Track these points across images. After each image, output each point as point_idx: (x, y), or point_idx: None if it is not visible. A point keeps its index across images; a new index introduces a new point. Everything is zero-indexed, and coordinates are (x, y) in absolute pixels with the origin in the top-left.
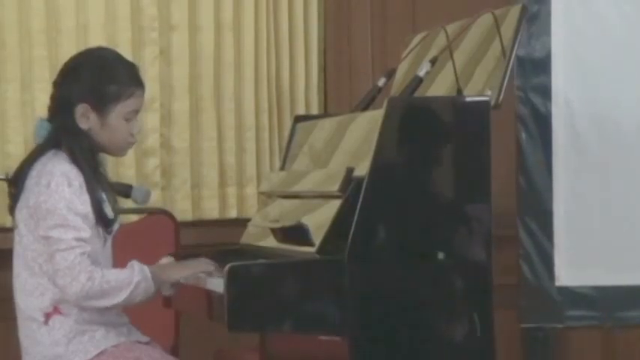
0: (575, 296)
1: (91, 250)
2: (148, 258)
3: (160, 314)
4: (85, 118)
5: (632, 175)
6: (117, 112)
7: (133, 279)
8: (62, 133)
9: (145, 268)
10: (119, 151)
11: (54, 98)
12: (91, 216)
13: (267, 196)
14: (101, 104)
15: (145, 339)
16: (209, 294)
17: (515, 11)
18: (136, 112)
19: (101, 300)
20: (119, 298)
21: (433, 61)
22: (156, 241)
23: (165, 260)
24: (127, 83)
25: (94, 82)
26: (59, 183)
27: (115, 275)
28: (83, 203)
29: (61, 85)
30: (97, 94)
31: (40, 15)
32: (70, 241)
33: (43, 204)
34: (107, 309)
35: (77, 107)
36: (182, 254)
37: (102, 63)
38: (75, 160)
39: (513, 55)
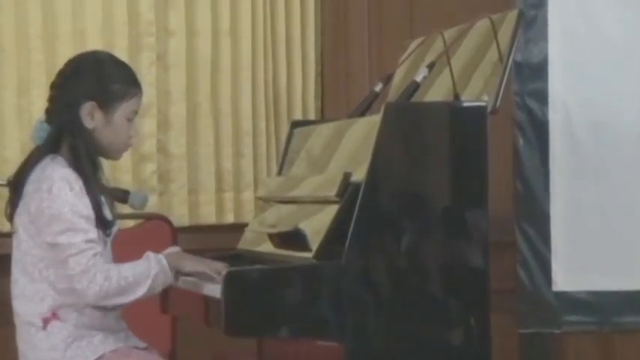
0: (573, 301)
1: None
2: None
3: (157, 320)
4: (90, 116)
5: (629, 180)
6: (121, 111)
7: (150, 272)
8: (65, 134)
9: (162, 257)
10: (117, 153)
11: (55, 99)
12: (93, 218)
13: (264, 202)
14: (108, 102)
15: (143, 345)
16: (206, 299)
17: (512, 16)
18: (136, 113)
19: (121, 297)
20: (139, 292)
21: (430, 67)
22: (153, 246)
23: (173, 249)
24: (130, 83)
25: (101, 80)
26: (61, 187)
27: (132, 270)
28: (85, 206)
29: (64, 85)
30: (104, 92)
31: (37, 20)
32: (81, 244)
33: (46, 209)
34: (120, 307)
35: (84, 106)
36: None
37: (104, 63)
38: (74, 163)
39: (510, 61)
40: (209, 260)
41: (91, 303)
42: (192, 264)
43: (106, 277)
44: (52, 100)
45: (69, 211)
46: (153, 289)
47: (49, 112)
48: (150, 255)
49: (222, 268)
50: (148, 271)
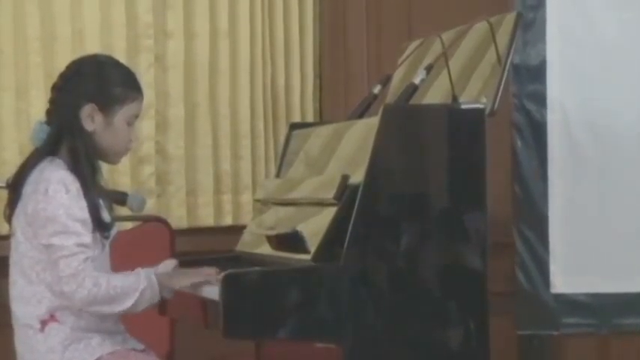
0: (571, 303)
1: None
2: (144, 266)
3: (155, 322)
4: (90, 119)
5: (627, 182)
6: (121, 115)
7: (139, 286)
8: (65, 135)
9: (152, 275)
10: (116, 157)
11: (56, 101)
12: (89, 222)
13: (262, 204)
14: (108, 105)
15: (141, 347)
16: (204, 301)
17: (510, 18)
18: (137, 117)
19: (108, 306)
20: (125, 304)
21: (429, 69)
22: (151, 248)
23: (169, 262)
24: (131, 87)
25: (101, 83)
26: (57, 190)
27: (122, 281)
28: (81, 209)
29: (65, 87)
30: (105, 95)
31: (35, 22)
32: (72, 247)
33: (42, 212)
34: (111, 315)
35: (84, 108)
36: (186, 260)
37: (106, 66)
38: (73, 165)
39: (509, 63)
40: (194, 271)
41: (77, 307)
42: (183, 280)
43: (95, 284)
44: (52, 101)
45: (63, 214)
46: (139, 304)
47: (50, 114)
48: (140, 270)
49: (213, 273)
50: (136, 285)
